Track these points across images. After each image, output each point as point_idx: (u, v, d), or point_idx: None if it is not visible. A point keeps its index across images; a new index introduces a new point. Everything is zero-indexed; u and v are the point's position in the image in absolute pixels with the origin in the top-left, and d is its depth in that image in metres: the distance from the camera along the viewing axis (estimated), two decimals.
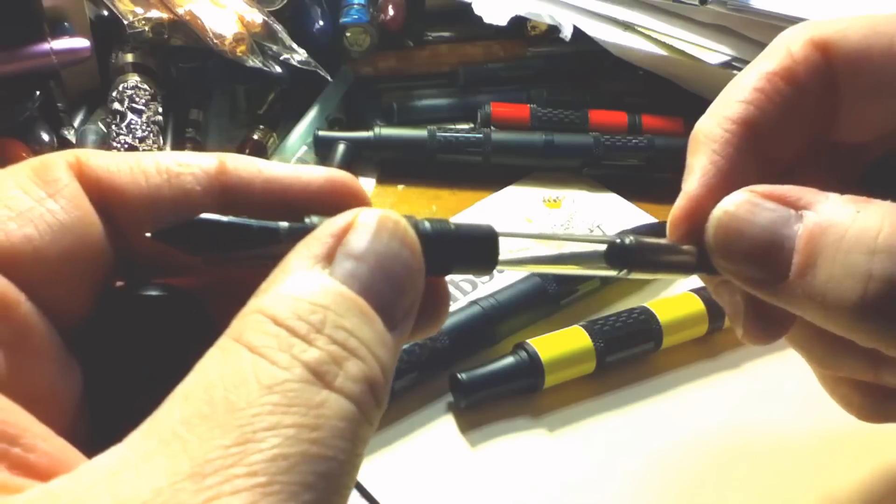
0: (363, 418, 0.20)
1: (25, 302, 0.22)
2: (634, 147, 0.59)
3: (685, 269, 0.31)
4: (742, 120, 0.32)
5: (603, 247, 0.29)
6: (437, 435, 0.44)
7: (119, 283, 0.26)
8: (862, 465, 0.42)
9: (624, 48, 0.61)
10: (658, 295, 0.51)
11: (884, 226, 0.27)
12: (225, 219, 0.23)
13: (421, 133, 0.59)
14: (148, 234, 0.23)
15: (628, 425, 0.44)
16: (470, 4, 0.62)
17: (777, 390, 0.46)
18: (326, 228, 0.22)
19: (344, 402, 0.20)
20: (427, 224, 0.25)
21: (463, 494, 0.41)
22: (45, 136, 0.56)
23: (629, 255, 0.29)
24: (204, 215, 0.23)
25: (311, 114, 0.61)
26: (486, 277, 0.52)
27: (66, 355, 0.24)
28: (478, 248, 0.26)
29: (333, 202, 0.25)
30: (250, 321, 0.21)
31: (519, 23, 0.63)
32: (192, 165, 0.25)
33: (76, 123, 0.59)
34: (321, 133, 0.59)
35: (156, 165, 0.25)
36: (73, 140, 0.57)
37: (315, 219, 0.24)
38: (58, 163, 0.24)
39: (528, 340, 0.45)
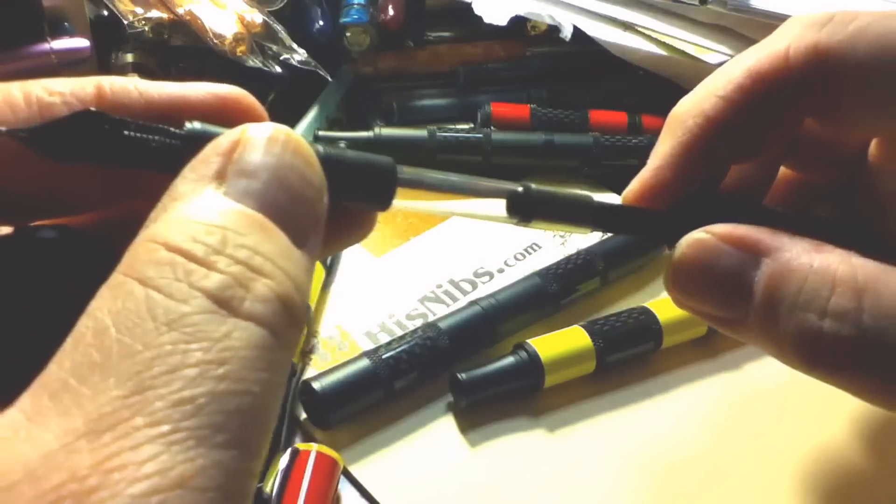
0: (276, 342, 0.19)
1: None
2: (634, 147, 0.59)
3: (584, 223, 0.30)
4: (712, 115, 0.31)
5: (505, 192, 0.27)
6: (437, 435, 0.44)
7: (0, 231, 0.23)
8: (863, 467, 0.42)
9: (624, 48, 0.61)
10: (658, 295, 0.51)
11: (836, 284, 0.27)
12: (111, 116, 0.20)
13: (421, 133, 0.59)
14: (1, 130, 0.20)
15: (628, 425, 0.44)
16: (470, 4, 0.62)
17: (777, 391, 0.46)
18: (213, 148, 0.21)
19: (253, 329, 0.18)
20: (320, 147, 0.22)
21: (463, 494, 0.41)
22: None
23: (529, 205, 0.27)
24: (89, 109, 0.20)
25: (311, 114, 0.61)
26: (486, 277, 0.52)
27: None
28: (373, 180, 0.23)
29: (226, 121, 0.23)
30: (140, 251, 0.19)
31: (519, 23, 0.63)
32: (66, 94, 0.23)
33: None
34: (321, 133, 0.59)
35: (25, 96, 0.23)
36: None
37: (197, 124, 0.21)
38: None
39: (528, 340, 0.45)
